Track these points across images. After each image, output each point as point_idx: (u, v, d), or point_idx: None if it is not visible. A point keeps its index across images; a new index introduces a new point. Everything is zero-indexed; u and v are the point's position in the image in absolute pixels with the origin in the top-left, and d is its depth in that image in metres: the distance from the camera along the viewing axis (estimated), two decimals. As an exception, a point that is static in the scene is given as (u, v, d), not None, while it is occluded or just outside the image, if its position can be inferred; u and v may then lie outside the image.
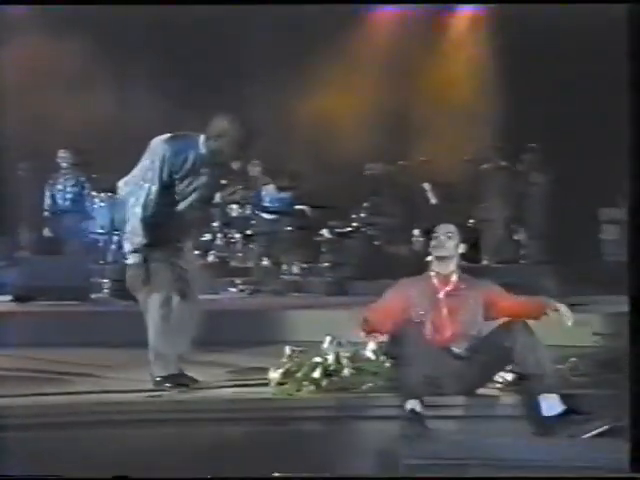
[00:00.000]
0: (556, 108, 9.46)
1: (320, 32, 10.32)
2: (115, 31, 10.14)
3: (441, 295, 4.28)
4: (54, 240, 8.70)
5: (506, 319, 4.20)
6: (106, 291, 8.11)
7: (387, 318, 4.22)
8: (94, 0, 8.85)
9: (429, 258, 4.43)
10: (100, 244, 9.90)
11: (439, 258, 4.34)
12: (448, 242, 4.30)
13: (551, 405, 3.94)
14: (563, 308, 4.14)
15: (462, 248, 4.35)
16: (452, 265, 4.34)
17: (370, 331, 4.30)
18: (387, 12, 11.17)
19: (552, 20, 8.82)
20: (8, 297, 7.61)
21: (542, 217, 9.34)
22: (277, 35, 10.39)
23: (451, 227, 4.34)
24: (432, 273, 4.35)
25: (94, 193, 9.48)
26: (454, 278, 4.32)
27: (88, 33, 10.14)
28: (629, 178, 3.65)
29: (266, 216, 9.46)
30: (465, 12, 11.28)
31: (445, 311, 4.23)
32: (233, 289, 8.96)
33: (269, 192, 9.58)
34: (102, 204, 9.90)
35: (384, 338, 4.24)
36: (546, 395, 3.96)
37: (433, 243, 4.34)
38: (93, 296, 7.83)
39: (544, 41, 9.56)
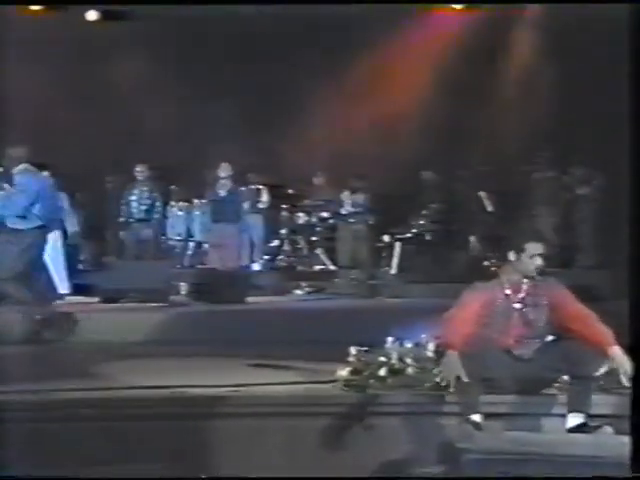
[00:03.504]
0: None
1: (374, 38, 10.20)
2: (191, 47, 10.27)
3: (512, 301, 4.15)
4: (137, 246, 8.90)
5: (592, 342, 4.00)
6: (183, 293, 8.26)
7: (465, 325, 4.08)
8: (96, 0, 9.07)
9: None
10: (177, 250, 10.14)
11: (518, 271, 4.17)
12: (535, 260, 4.13)
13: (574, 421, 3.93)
14: (626, 365, 3.87)
15: (539, 261, 4.18)
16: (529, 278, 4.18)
17: (447, 340, 4.13)
18: (442, 14, 10.76)
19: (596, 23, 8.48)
20: (96, 298, 7.85)
21: (591, 223, 9.15)
22: (330, 41, 10.26)
23: (540, 247, 4.18)
24: (504, 279, 4.22)
25: (172, 203, 9.71)
26: (526, 285, 4.19)
27: (166, 48, 10.31)
28: (630, 178, 3.58)
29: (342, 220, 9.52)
30: (516, 15, 10.73)
31: (515, 317, 4.13)
32: (299, 291, 9.05)
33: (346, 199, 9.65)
34: (179, 213, 10.13)
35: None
36: (575, 414, 3.93)
37: (525, 261, 4.14)
38: (171, 298, 7.99)
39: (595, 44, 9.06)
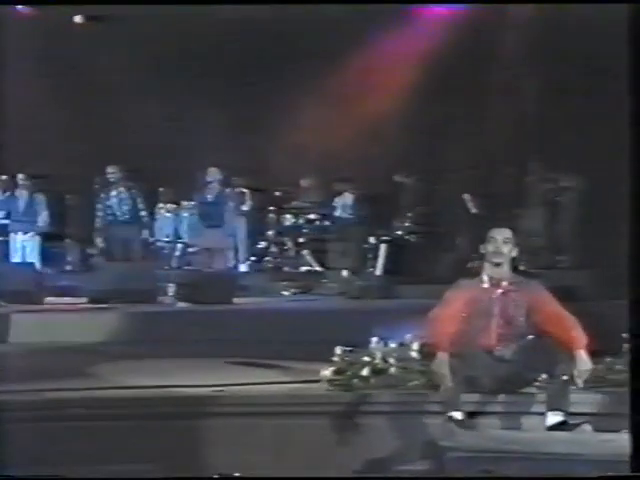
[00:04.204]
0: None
1: (360, 39, 10.17)
2: (179, 48, 10.24)
3: (492, 299, 4.16)
4: (123, 247, 8.88)
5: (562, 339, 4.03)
6: (171, 294, 8.25)
7: (451, 323, 4.09)
8: (95, 0, 9.03)
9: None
10: (165, 251, 10.13)
11: (494, 264, 4.19)
12: (504, 247, 4.15)
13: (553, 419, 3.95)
14: (584, 368, 3.95)
15: (515, 252, 4.23)
16: (505, 269, 4.21)
17: (434, 340, 4.13)
18: (429, 12, 10.54)
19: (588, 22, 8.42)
20: (84, 299, 7.83)
21: (576, 224, 9.19)
22: (317, 43, 10.14)
23: (507, 232, 4.21)
24: (485, 277, 4.24)
25: (160, 204, 9.70)
26: (506, 282, 4.20)
27: (153, 49, 10.28)
28: (630, 178, 3.59)
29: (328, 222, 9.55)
30: (509, 14, 10.36)
31: (495, 314, 4.14)
32: (286, 292, 9.06)
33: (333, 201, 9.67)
34: (167, 214, 10.12)
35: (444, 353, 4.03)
36: (554, 412, 3.95)
37: (489, 248, 4.17)
38: (159, 299, 7.98)
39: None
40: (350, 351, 4.57)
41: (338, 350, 4.57)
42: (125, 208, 8.83)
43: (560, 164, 9.37)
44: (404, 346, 4.55)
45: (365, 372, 4.38)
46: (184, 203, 10.07)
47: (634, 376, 3.49)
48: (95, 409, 4.25)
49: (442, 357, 4.00)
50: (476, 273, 4.35)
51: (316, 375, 4.54)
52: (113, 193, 8.87)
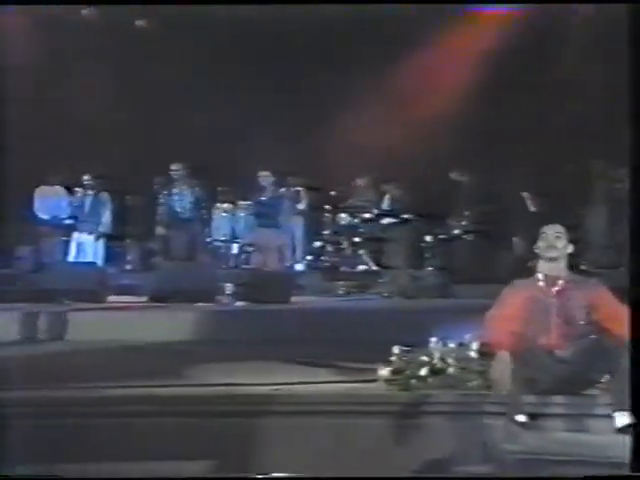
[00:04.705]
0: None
1: (416, 38, 10.11)
2: (235, 47, 10.32)
3: (549, 298, 4.08)
4: (183, 246, 8.98)
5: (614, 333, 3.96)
6: (228, 293, 8.30)
7: (509, 323, 4.02)
8: (94, 0, 9.12)
9: (532, 263, 4.30)
10: (222, 251, 10.21)
11: (548, 259, 4.11)
12: (557, 242, 4.07)
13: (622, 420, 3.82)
14: None
15: (570, 248, 4.15)
16: (561, 266, 4.12)
17: (494, 340, 4.05)
18: (487, 12, 10.42)
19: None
20: (144, 298, 7.94)
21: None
22: (373, 42, 10.18)
23: (559, 227, 4.12)
24: (540, 275, 4.15)
25: (217, 204, 9.78)
26: (562, 280, 4.11)
27: (210, 48, 10.38)
28: (630, 178, 3.47)
29: (381, 220, 9.50)
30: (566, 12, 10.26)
31: (553, 314, 4.05)
32: (342, 292, 9.04)
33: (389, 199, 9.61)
34: (224, 214, 10.20)
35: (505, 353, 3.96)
36: (621, 413, 3.82)
37: (541, 244, 4.10)
38: (217, 298, 8.04)
39: None
40: (408, 351, 4.52)
41: (396, 350, 4.52)
42: (187, 206, 8.93)
43: (624, 162, 9.11)
44: (463, 346, 4.48)
45: (423, 372, 4.32)
46: (240, 203, 10.13)
47: (634, 375, 3.44)
48: (154, 406, 4.30)
49: (504, 357, 3.91)
50: (533, 272, 4.26)
51: (373, 375, 4.50)
52: (175, 191, 8.98)
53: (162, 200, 9.04)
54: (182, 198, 8.96)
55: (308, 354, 5.51)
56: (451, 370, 4.34)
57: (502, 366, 3.90)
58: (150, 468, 4.00)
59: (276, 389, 4.44)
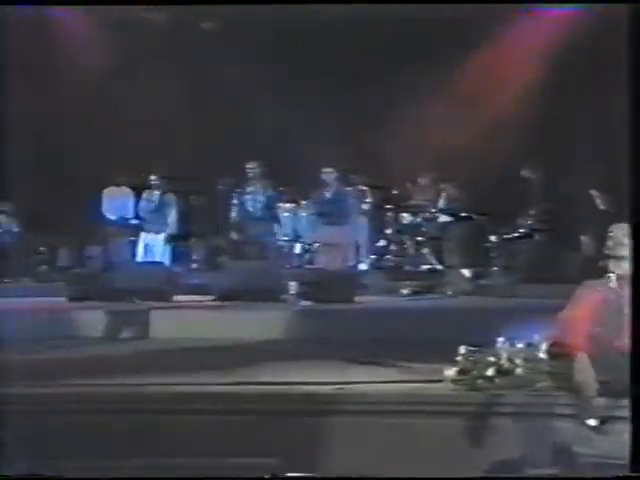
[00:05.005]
0: None
1: (480, 38, 10.03)
2: (298, 48, 10.38)
3: (622, 298, 3.99)
4: (251, 245, 9.08)
5: None
6: (293, 293, 8.34)
7: (584, 324, 3.98)
8: (95, 1, 9.18)
9: (603, 262, 4.21)
10: (285, 250, 10.27)
11: (618, 259, 4.04)
12: (626, 240, 3.98)
13: None
14: None
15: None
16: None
17: (570, 342, 4.02)
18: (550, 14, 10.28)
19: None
20: (211, 297, 8.06)
21: None
22: (436, 41, 10.11)
23: (626, 226, 4.04)
24: (612, 276, 4.08)
25: (280, 204, 9.84)
26: None
27: (273, 49, 10.46)
28: (630, 178, 3.51)
29: (443, 219, 9.42)
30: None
31: (626, 314, 3.94)
32: (406, 291, 8.98)
33: (446, 198, 9.54)
34: (287, 214, 10.27)
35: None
36: None
37: (611, 243, 4.05)
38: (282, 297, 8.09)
39: None
40: (474, 351, 4.48)
41: (462, 350, 4.48)
42: (258, 206, 9.03)
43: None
44: (531, 346, 4.41)
45: (490, 372, 4.28)
46: (303, 202, 10.18)
47: (634, 379, 3.37)
48: (219, 404, 4.36)
49: (584, 360, 3.85)
50: (604, 272, 4.16)
51: (439, 375, 4.47)
52: (249, 190, 9.09)
53: (234, 199, 9.15)
54: (254, 197, 9.07)
55: (373, 354, 5.51)
56: (519, 371, 4.28)
57: (584, 369, 3.84)
58: (217, 464, 4.05)
59: (340, 388, 4.45)
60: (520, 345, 4.40)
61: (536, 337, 4.41)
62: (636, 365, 3.52)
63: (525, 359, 4.31)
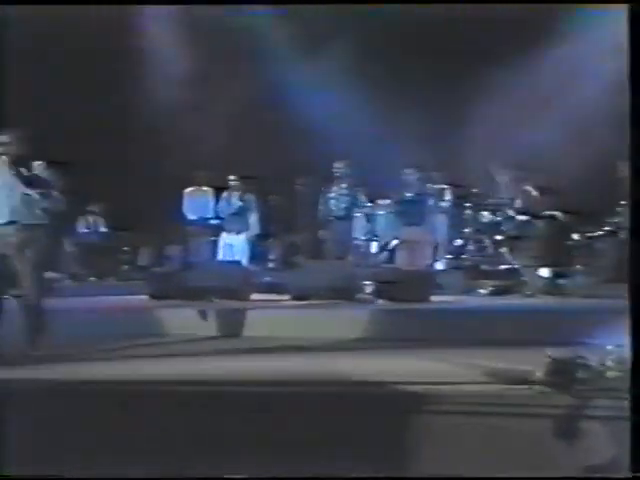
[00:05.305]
0: None
1: (564, 34, 9.84)
2: (380, 46, 10.34)
3: None
4: (328, 245, 9.13)
5: None
6: (369, 292, 8.33)
7: None
8: (96, 0, 9.18)
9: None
10: (363, 250, 10.27)
11: None
12: None
13: None
14: None
15: None
16: None
17: None
18: None
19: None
20: (287, 296, 8.11)
21: None
22: (518, 38, 10.01)
23: None
24: None
25: (359, 203, 9.85)
26: None
27: (356, 48, 10.45)
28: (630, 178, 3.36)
29: (524, 217, 9.26)
30: None
31: None
32: (483, 290, 8.86)
33: (525, 196, 9.39)
34: (364, 213, 10.26)
35: None
36: None
37: None
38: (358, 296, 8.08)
39: None
40: (561, 352, 4.37)
41: (549, 351, 4.38)
42: (340, 205, 9.07)
43: None
44: (621, 348, 4.27)
45: (579, 374, 4.16)
46: (380, 202, 10.14)
47: (634, 378, 3.31)
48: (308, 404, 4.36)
49: None
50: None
51: (526, 376, 4.38)
52: (333, 189, 9.14)
53: (318, 199, 9.22)
54: (338, 197, 9.12)
55: (452, 354, 5.44)
56: (609, 374, 4.16)
57: None
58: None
59: (425, 388, 4.41)
60: (610, 347, 4.27)
61: (624, 339, 4.27)
62: (636, 365, 3.42)
63: (616, 361, 4.18)
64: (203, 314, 7.03)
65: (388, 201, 9.72)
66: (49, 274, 9.34)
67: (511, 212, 9.68)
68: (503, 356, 5.23)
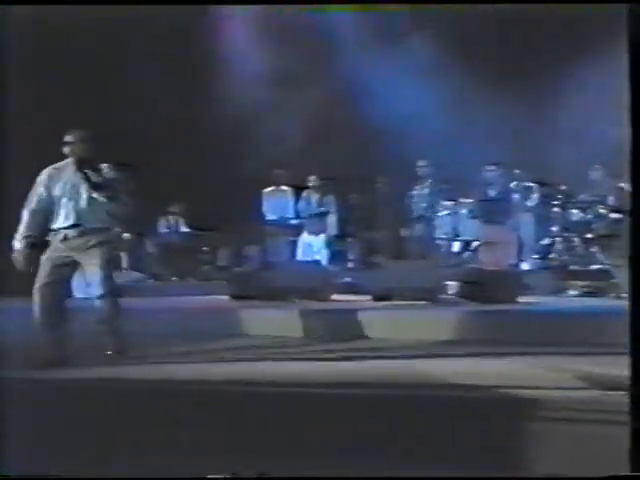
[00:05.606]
0: None
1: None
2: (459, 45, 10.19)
3: None
4: (409, 245, 9.02)
5: None
6: (451, 292, 8.16)
7: None
8: (99, 0, 9.01)
9: None
10: (444, 249, 10.10)
11: None
12: None
13: None
14: None
15: None
16: None
17: None
18: None
19: None
20: (367, 297, 8.02)
21: None
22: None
23: None
24: None
25: (441, 202, 9.70)
26: None
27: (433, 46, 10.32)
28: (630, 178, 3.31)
29: (614, 216, 8.92)
30: None
31: None
32: (573, 292, 8.55)
33: (619, 193, 9.05)
34: (446, 212, 10.09)
35: None
36: None
37: None
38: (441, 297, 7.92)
39: None
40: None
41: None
42: (423, 204, 8.97)
43: None
44: None
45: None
46: (462, 200, 9.96)
47: (634, 379, 3.26)
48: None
49: None
50: None
51: (620, 382, 4.15)
52: (416, 188, 9.05)
53: (400, 198, 9.15)
54: (421, 196, 9.02)
55: (543, 359, 5.24)
56: None
57: None
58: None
59: (519, 392, 4.24)
60: None
61: None
62: (636, 365, 3.35)
63: None
64: (286, 315, 7.00)
65: (470, 200, 9.51)
66: (132, 274, 9.56)
67: (603, 210, 9.33)
68: (597, 361, 4.98)
